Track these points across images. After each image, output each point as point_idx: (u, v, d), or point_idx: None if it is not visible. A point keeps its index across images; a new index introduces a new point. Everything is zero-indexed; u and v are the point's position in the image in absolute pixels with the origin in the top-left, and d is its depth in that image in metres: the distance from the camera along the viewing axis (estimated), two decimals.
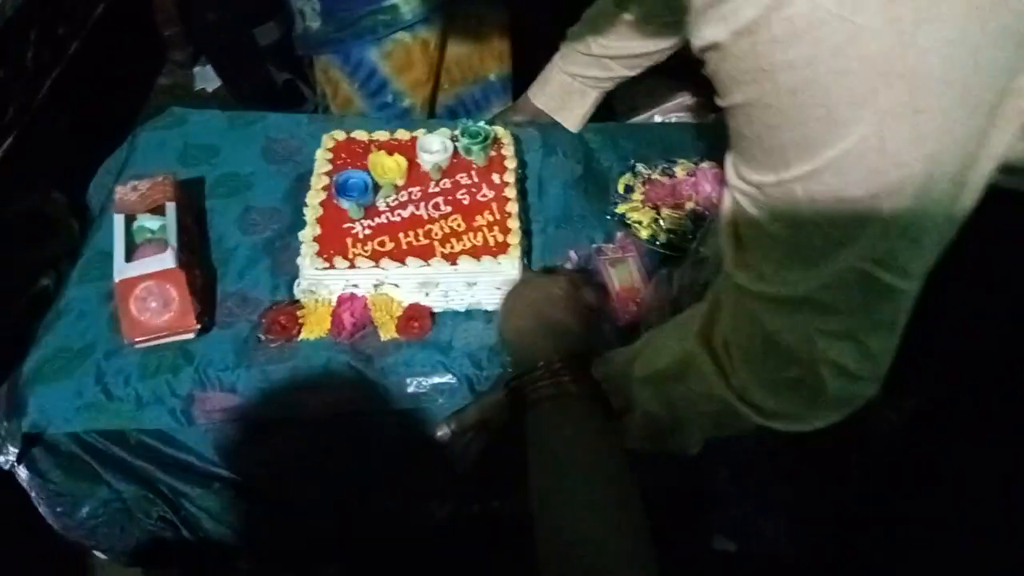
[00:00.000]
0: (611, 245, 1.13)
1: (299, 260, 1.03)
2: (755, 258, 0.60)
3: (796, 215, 0.54)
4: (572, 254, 1.13)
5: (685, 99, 1.56)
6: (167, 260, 0.98)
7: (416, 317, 1.01)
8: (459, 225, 1.06)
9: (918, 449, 1.01)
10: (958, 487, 0.96)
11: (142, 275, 0.97)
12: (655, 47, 1.18)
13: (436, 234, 1.05)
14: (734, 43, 0.50)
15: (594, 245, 1.13)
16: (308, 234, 1.04)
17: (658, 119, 1.55)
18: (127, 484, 1.03)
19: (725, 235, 0.62)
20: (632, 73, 1.24)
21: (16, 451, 0.96)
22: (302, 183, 1.19)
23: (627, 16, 1.15)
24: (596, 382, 0.78)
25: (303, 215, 1.11)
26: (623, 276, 1.09)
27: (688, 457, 0.82)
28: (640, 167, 1.22)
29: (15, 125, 1.52)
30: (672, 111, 1.56)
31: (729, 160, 0.59)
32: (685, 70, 1.53)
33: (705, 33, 0.52)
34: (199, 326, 0.98)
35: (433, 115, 1.49)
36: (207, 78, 2.18)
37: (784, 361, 0.62)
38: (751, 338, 0.64)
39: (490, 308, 1.05)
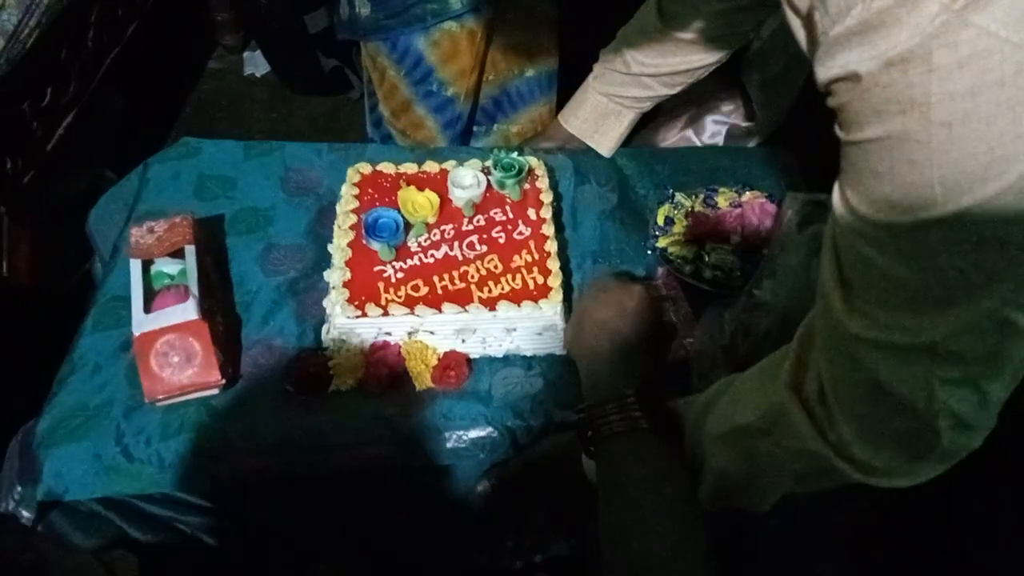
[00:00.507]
0: (655, 282, 1.07)
1: (328, 307, 0.98)
2: (868, 303, 0.54)
3: (932, 258, 0.49)
4: None
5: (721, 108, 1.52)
6: (189, 311, 0.92)
7: (453, 366, 0.95)
8: (496, 267, 1.00)
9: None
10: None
11: (163, 328, 0.91)
12: (700, 63, 1.12)
13: (472, 277, 0.99)
14: (883, 73, 0.46)
15: None
16: (337, 279, 0.98)
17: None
18: (154, 537, 0.97)
19: (828, 277, 0.57)
20: (672, 91, 1.19)
21: (31, 517, 0.90)
22: (324, 217, 1.14)
23: (673, 34, 1.09)
24: (668, 414, 0.74)
25: (327, 251, 1.05)
26: (667, 314, 1.04)
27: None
28: (679, 197, 1.16)
29: (75, 103, 1.54)
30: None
31: (843, 197, 0.53)
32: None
33: (842, 61, 0.47)
34: (223, 381, 0.92)
35: (476, 105, 1.48)
36: (256, 64, 2.20)
37: (894, 412, 0.56)
38: (855, 387, 0.58)
39: (529, 354, 0.99)
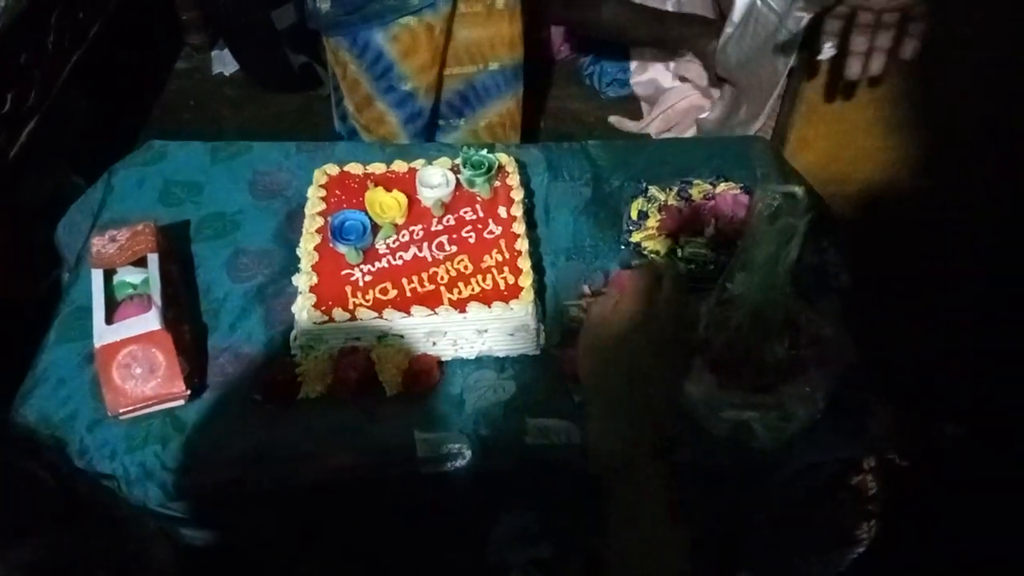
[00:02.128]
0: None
1: (295, 313, 0.95)
2: None
3: None
4: (585, 288, 1.06)
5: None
6: (151, 321, 0.90)
7: (424, 370, 0.94)
8: (466, 267, 0.98)
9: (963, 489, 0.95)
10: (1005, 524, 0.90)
11: (125, 339, 0.89)
12: None
13: (442, 278, 0.97)
14: None
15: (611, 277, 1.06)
16: (304, 284, 0.96)
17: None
18: None
19: None
20: None
21: None
22: (293, 220, 1.12)
23: None
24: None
25: (296, 255, 1.03)
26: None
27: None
28: (653, 190, 1.15)
29: (37, 109, 1.52)
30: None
31: None
32: None
33: None
34: (189, 392, 0.90)
35: (438, 100, 1.48)
36: (225, 62, 2.18)
37: None
38: None
39: (501, 355, 0.98)
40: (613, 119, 2.00)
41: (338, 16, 1.36)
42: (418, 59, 1.39)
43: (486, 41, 1.44)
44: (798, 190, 0.81)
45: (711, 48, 1.62)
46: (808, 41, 1.29)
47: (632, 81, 1.97)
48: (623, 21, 1.76)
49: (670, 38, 1.78)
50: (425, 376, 0.94)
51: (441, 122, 1.54)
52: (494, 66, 1.48)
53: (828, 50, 1.13)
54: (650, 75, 1.93)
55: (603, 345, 0.70)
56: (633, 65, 1.96)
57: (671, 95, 1.85)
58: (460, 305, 0.94)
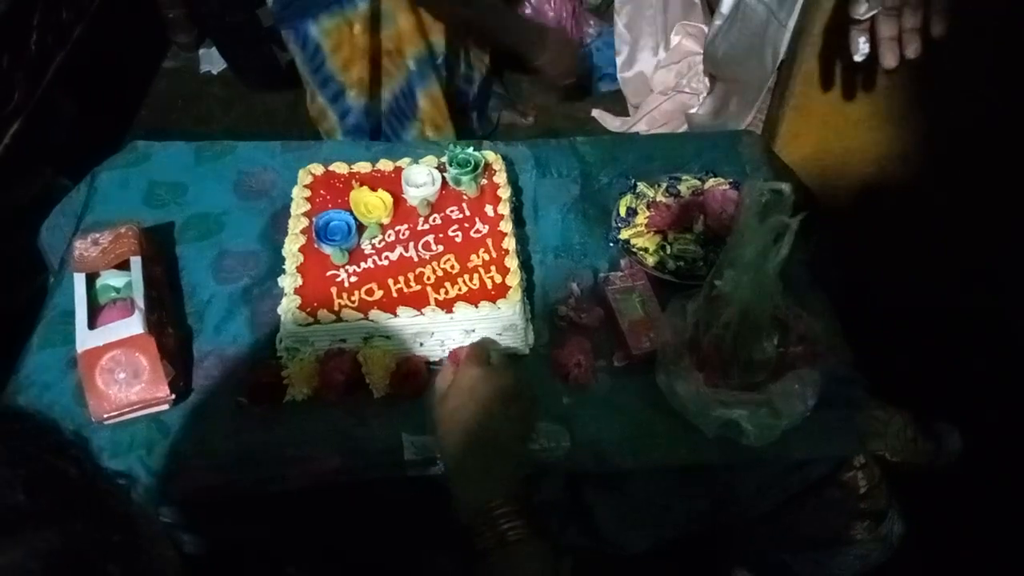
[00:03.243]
0: (618, 274, 1.05)
1: (281, 315, 0.95)
2: None
3: None
4: (574, 286, 1.05)
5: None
6: (134, 325, 0.89)
7: (411, 372, 0.93)
8: (453, 267, 0.97)
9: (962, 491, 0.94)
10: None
11: (107, 344, 0.88)
12: None
13: (428, 278, 0.96)
14: None
15: (601, 275, 1.05)
16: (289, 285, 0.95)
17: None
18: None
19: None
20: None
21: None
22: (278, 221, 1.11)
23: None
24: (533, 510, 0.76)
25: (282, 257, 1.02)
26: (632, 307, 1.02)
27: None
28: (642, 187, 1.14)
29: (20, 111, 1.51)
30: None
31: None
32: None
33: None
34: (173, 396, 0.89)
35: (374, 100, 1.51)
36: (211, 60, 2.17)
37: None
38: None
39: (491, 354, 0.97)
40: (596, 112, 1.99)
41: (279, 11, 1.42)
42: (342, 55, 1.43)
43: (405, 34, 1.48)
44: (786, 187, 0.80)
45: (540, 60, 1.64)
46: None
47: (619, 75, 1.95)
48: (482, 21, 1.66)
49: (508, 42, 1.72)
50: (412, 378, 0.93)
51: (386, 124, 1.58)
52: (411, 62, 1.51)
53: (863, 46, 1.08)
54: (638, 68, 1.92)
55: (451, 408, 0.80)
56: (620, 60, 1.94)
57: (655, 97, 1.84)
58: (447, 305, 0.93)
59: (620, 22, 1.91)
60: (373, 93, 1.52)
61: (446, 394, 0.82)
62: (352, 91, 1.47)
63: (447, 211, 1.04)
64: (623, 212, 1.12)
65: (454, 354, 0.89)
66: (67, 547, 0.36)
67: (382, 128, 1.59)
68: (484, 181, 1.08)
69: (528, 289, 1.03)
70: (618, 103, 2.04)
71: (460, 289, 0.95)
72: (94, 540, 0.38)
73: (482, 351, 0.87)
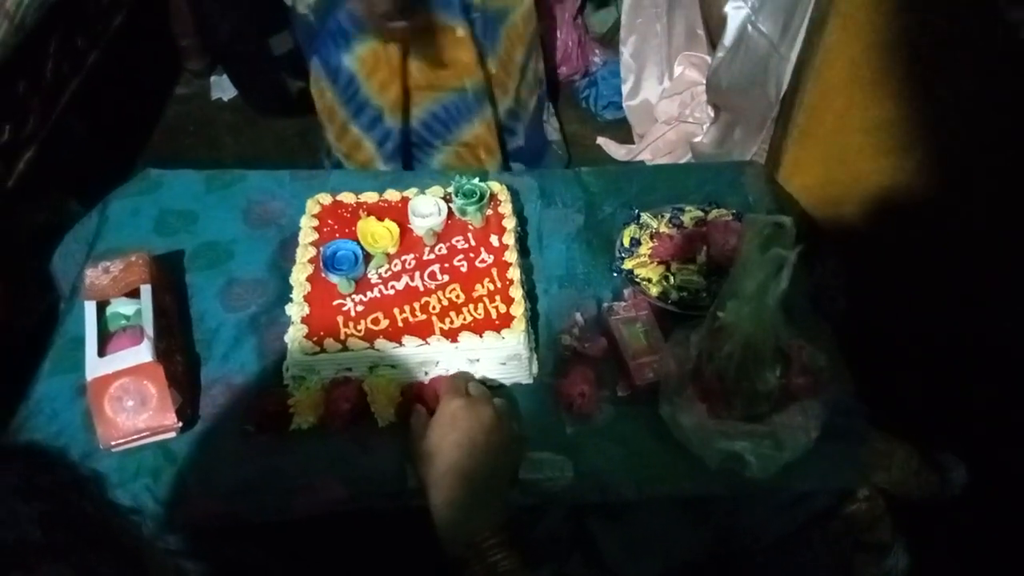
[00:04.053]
0: (622, 304, 1.06)
1: (287, 343, 0.96)
2: None
3: None
4: (578, 316, 1.06)
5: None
6: (143, 353, 0.90)
7: (415, 401, 0.94)
8: (458, 296, 0.98)
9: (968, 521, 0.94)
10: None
11: (117, 371, 0.89)
12: None
13: (434, 308, 0.97)
14: None
15: (605, 305, 1.06)
16: (296, 314, 0.97)
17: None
18: None
19: None
20: None
21: None
22: (287, 249, 1.12)
23: None
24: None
25: (289, 284, 1.04)
26: (636, 338, 1.02)
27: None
28: (645, 217, 1.15)
29: (35, 137, 1.53)
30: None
31: None
32: None
33: None
34: (180, 424, 0.90)
35: (407, 122, 1.52)
36: (223, 88, 2.20)
37: None
38: None
39: (494, 385, 0.98)
40: (601, 140, 2.01)
41: (308, 43, 1.45)
42: (379, 77, 1.44)
43: (447, 63, 1.49)
44: (787, 220, 0.81)
45: None
46: None
47: (624, 104, 1.98)
48: None
49: None
50: (418, 407, 0.93)
51: (415, 149, 1.58)
52: (461, 88, 1.51)
53: None
54: (642, 97, 1.94)
55: (435, 442, 0.82)
56: (625, 89, 1.97)
57: (659, 127, 1.86)
58: (452, 335, 0.94)
59: (626, 51, 1.94)
60: (404, 117, 1.54)
61: (430, 427, 0.83)
62: (389, 115, 1.49)
63: (453, 241, 1.05)
64: (627, 242, 1.13)
65: (418, 393, 0.91)
66: None
67: (412, 153, 1.61)
68: (489, 211, 1.09)
69: (532, 319, 1.04)
70: (623, 131, 2.06)
71: (465, 319, 0.96)
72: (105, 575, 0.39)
73: (461, 382, 0.89)
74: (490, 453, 0.80)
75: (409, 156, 1.60)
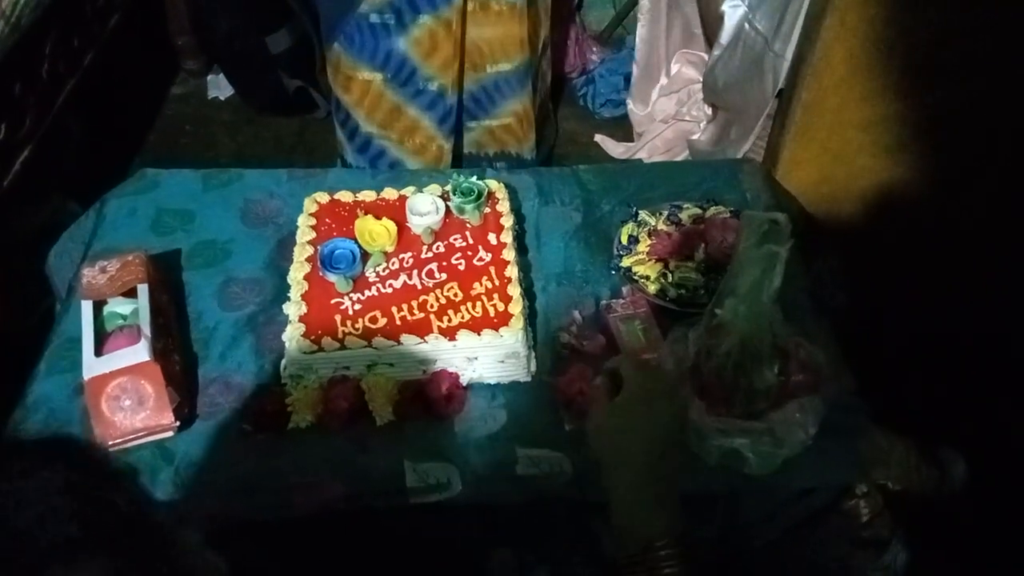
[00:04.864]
0: (620, 301, 1.06)
1: (285, 342, 0.95)
2: None
3: None
4: (576, 314, 1.06)
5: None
6: (140, 352, 0.90)
7: (414, 399, 0.93)
8: (456, 295, 0.98)
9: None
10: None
11: (114, 371, 0.89)
12: None
13: (432, 306, 0.97)
14: None
15: (603, 302, 1.06)
16: (294, 313, 0.96)
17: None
18: None
19: None
20: None
21: None
22: (284, 248, 1.12)
23: None
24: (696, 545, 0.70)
25: (287, 283, 1.03)
26: (634, 335, 1.02)
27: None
28: (643, 215, 1.15)
29: (32, 137, 1.52)
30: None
31: None
32: None
33: None
34: (178, 423, 0.90)
35: (462, 98, 1.53)
36: (220, 87, 2.19)
37: None
38: None
39: (492, 382, 0.98)
40: (599, 138, 2.01)
41: (354, 40, 1.45)
42: (440, 56, 1.45)
43: (497, 40, 1.49)
44: (781, 217, 0.81)
45: None
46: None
47: (628, 102, 1.97)
48: None
49: None
50: (415, 405, 0.93)
51: (461, 125, 1.60)
52: (505, 67, 1.52)
53: None
54: (642, 96, 1.94)
55: (628, 423, 0.72)
56: (632, 87, 1.96)
57: (656, 125, 1.86)
58: (450, 333, 0.94)
59: (636, 50, 1.94)
60: (461, 91, 1.55)
61: (622, 402, 0.74)
62: (449, 91, 1.50)
63: (450, 239, 1.05)
64: (625, 240, 1.13)
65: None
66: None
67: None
68: (487, 209, 1.09)
69: (530, 317, 1.04)
70: (620, 129, 2.06)
71: (463, 317, 0.96)
72: (142, 570, 0.39)
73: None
74: (676, 446, 0.73)
75: (459, 135, 1.62)
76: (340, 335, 0.94)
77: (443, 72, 1.48)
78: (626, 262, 1.10)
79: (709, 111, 1.72)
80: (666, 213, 1.15)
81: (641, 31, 1.87)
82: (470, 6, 1.46)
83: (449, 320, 0.95)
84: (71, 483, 0.40)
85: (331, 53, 1.56)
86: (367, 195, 1.11)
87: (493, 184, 1.12)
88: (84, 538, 0.38)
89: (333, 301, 0.97)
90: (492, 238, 1.05)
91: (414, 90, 1.50)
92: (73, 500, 0.39)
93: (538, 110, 1.74)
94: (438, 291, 0.99)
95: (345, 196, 1.11)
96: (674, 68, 1.92)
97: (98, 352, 0.92)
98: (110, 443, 0.89)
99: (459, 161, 1.68)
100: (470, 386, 0.97)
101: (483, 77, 1.55)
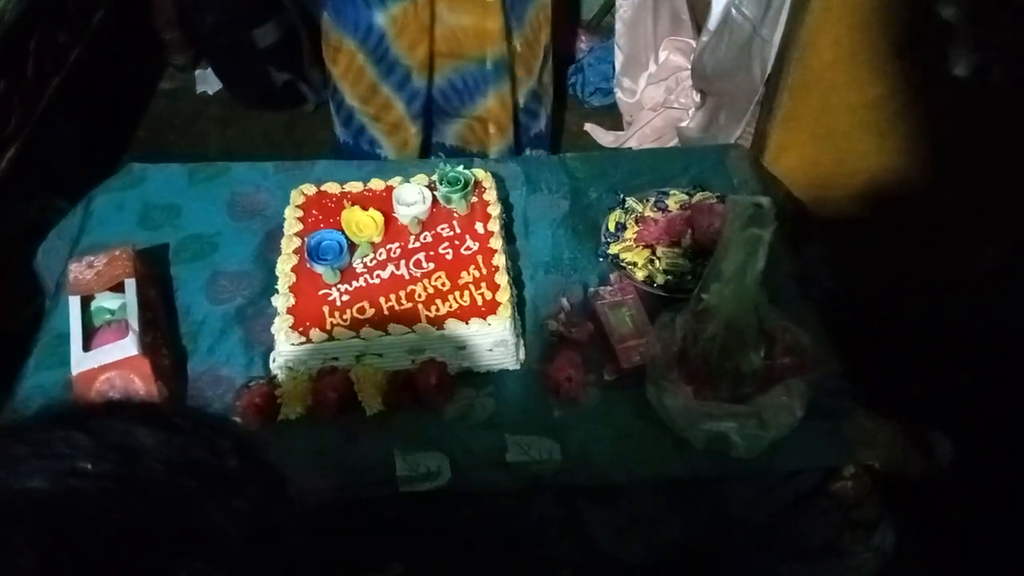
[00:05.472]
0: (608, 288, 1.06)
1: (274, 334, 0.96)
2: None
3: None
4: (564, 301, 1.06)
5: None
6: (128, 347, 0.90)
7: (403, 388, 0.94)
8: (444, 284, 0.98)
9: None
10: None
11: (102, 366, 0.89)
12: None
13: (419, 295, 0.97)
14: None
15: (591, 289, 1.06)
16: (282, 305, 0.96)
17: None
18: None
19: None
20: None
21: None
22: (272, 240, 1.12)
23: None
24: None
25: (275, 276, 1.03)
26: (622, 321, 1.03)
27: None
28: (631, 202, 1.15)
29: (18, 135, 1.51)
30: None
31: None
32: None
33: None
34: None
35: (431, 84, 1.55)
36: (208, 81, 2.18)
37: None
38: None
39: (481, 371, 0.98)
40: (588, 127, 2.01)
41: (337, 6, 1.47)
42: (408, 36, 1.46)
43: (472, 29, 1.50)
44: (765, 200, 0.82)
45: None
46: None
47: (616, 91, 1.97)
48: None
49: None
50: (404, 394, 0.94)
51: (435, 116, 1.60)
52: (481, 59, 1.52)
53: None
54: (630, 84, 1.93)
55: None
56: (616, 75, 1.96)
57: (645, 113, 1.86)
58: (438, 322, 0.94)
59: (617, 38, 1.93)
60: (429, 80, 1.56)
61: None
62: (417, 75, 1.51)
63: (438, 229, 1.05)
64: (612, 227, 1.13)
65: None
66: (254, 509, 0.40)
67: (432, 120, 1.63)
68: (474, 199, 1.09)
69: (519, 304, 1.04)
70: (610, 117, 2.05)
71: (451, 306, 0.96)
72: (270, 504, 0.42)
73: None
74: None
75: (430, 123, 1.63)
76: (328, 326, 0.94)
77: (410, 53, 1.49)
78: (614, 249, 1.10)
79: (698, 98, 1.72)
80: (653, 200, 1.15)
81: (623, 15, 1.86)
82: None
83: (437, 309, 0.96)
84: (212, 426, 0.43)
85: (324, 23, 1.57)
86: (354, 186, 1.11)
87: (480, 173, 1.12)
88: (239, 468, 0.41)
89: (321, 292, 0.98)
90: (479, 227, 1.05)
91: (387, 67, 1.52)
92: (225, 437, 0.42)
93: (549, 125, 1.75)
94: (426, 281, 0.99)
95: (332, 187, 1.11)
96: (662, 55, 1.91)
97: (86, 347, 0.92)
98: None
99: (433, 151, 1.69)
100: (459, 375, 0.97)
101: (461, 65, 1.55)
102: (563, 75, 2.21)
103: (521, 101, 1.66)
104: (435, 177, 1.09)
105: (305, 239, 1.02)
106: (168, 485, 0.38)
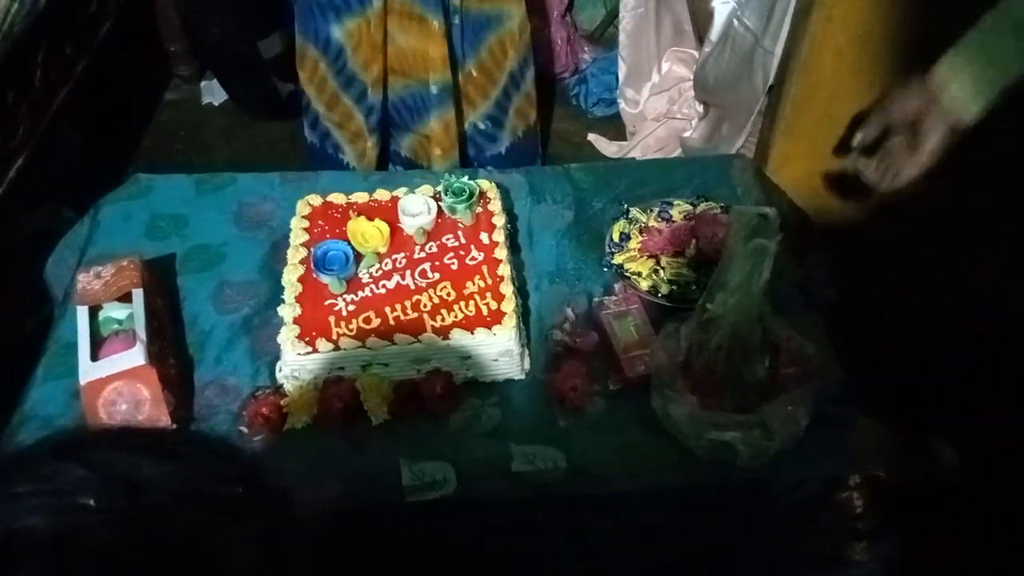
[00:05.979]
0: (612, 298, 1.07)
1: (280, 344, 0.96)
2: None
3: None
4: (569, 311, 1.07)
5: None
6: (136, 356, 0.91)
7: (408, 398, 0.94)
8: (449, 294, 0.99)
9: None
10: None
11: (110, 375, 0.90)
12: None
13: (425, 305, 0.98)
14: None
15: (595, 299, 1.07)
16: (288, 315, 0.97)
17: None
18: None
19: None
20: None
21: None
22: (278, 251, 1.12)
23: None
24: None
25: (281, 286, 1.04)
26: (627, 331, 1.03)
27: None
28: (635, 212, 1.16)
29: (25, 145, 1.52)
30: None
31: None
32: None
33: None
34: (175, 426, 0.91)
35: (386, 99, 1.59)
36: (213, 92, 2.20)
37: None
38: None
39: (486, 381, 0.98)
40: (592, 137, 2.02)
41: (301, 17, 1.52)
42: (362, 53, 1.51)
43: (420, 52, 1.53)
44: (770, 211, 0.82)
45: None
46: None
47: (619, 101, 1.98)
48: None
49: None
50: (410, 404, 0.94)
51: (392, 127, 1.65)
52: (425, 82, 1.56)
53: None
54: (633, 95, 1.95)
55: None
56: (620, 86, 1.97)
57: (648, 124, 1.87)
58: (443, 332, 0.95)
59: (620, 49, 1.94)
60: (384, 94, 1.59)
61: None
62: (371, 90, 1.55)
63: (443, 239, 1.06)
64: (616, 237, 1.14)
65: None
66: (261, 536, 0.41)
67: (390, 131, 1.66)
68: (479, 209, 1.10)
69: (523, 315, 1.04)
70: (613, 128, 2.06)
71: (456, 316, 0.96)
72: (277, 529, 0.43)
73: None
74: None
75: (388, 134, 1.67)
76: (334, 336, 0.95)
77: (365, 70, 1.54)
78: (618, 259, 1.11)
79: (701, 108, 1.73)
80: (657, 210, 1.16)
81: (626, 27, 1.87)
82: (393, 10, 1.50)
83: (442, 319, 0.96)
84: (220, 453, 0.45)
85: (296, 28, 1.60)
86: (359, 197, 1.12)
87: (485, 184, 1.13)
88: (245, 497, 0.42)
89: (327, 302, 0.98)
90: (484, 237, 1.06)
91: (346, 80, 1.56)
92: (233, 464, 0.44)
93: (523, 128, 1.75)
94: (431, 291, 0.99)
95: (338, 198, 1.11)
96: (665, 66, 1.93)
97: (94, 357, 0.93)
98: None
99: (391, 160, 1.72)
100: (464, 384, 0.98)
101: (410, 84, 1.58)
102: (566, 86, 2.22)
103: (479, 124, 1.67)
104: (440, 188, 1.10)
105: (311, 249, 1.03)
106: (174, 518, 0.38)
